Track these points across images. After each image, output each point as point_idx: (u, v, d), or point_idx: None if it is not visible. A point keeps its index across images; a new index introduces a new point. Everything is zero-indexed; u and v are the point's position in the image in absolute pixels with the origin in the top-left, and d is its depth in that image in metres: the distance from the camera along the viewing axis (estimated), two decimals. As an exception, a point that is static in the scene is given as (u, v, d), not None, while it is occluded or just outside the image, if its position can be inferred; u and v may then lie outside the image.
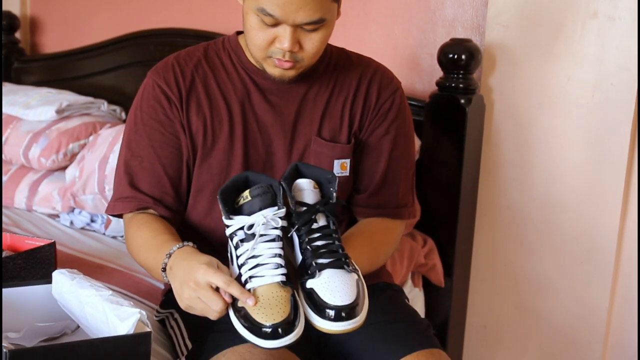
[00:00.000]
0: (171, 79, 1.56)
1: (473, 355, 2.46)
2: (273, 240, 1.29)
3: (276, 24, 1.41)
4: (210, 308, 1.26)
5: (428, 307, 2.24)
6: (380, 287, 1.64)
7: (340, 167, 1.60)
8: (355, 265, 1.32)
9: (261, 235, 1.28)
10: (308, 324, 1.27)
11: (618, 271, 2.24)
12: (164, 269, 1.37)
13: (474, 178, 2.29)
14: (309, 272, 1.29)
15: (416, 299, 2.14)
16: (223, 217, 1.32)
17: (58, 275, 1.43)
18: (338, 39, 1.54)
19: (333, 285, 1.26)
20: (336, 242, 1.32)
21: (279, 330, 1.21)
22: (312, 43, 1.45)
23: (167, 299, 1.66)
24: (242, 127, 1.57)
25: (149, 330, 1.28)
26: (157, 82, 1.57)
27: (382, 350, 1.48)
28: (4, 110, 2.64)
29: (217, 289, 1.25)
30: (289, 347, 1.23)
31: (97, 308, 1.31)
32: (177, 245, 1.37)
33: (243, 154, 1.56)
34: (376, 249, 1.61)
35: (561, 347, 2.33)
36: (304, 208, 1.33)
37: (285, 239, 1.32)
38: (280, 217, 1.29)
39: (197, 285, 1.25)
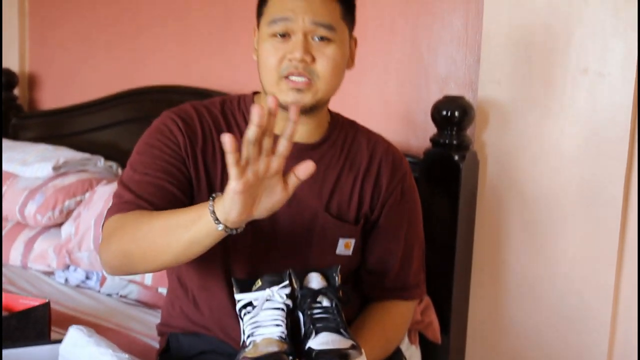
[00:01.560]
0: (190, 122, 1.54)
1: (471, 413, 2.44)
2: (276, 309, 1.32)
3: (288, 35, 1.45)
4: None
5: (425, 365, 2.23)
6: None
7: (345, 246, 1.59)
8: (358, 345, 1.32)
9: (267, 301, 1.33)
10: None
11: (615, 334, 2.23)
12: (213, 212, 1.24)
13: (469, 234, 2.29)
14: (307, 335, 1.31)
15: (413, 356, 2.12)
16: (235, 294, 1.37)
17: (75, 330, 1.41)
18: (334, 96, 1.56)
19: (329, 340, 1.28)
20: (337, 319, 1.34)
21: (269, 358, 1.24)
22: (325, 57, 1.47)
23: (163, 358, 1.65)
24: None
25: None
26: (174, 119, 1.54)
27: None
28: (2, 166, 2.64)
29: None
30: None
31: None
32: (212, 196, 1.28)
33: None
34: (388, 337, 1.62)
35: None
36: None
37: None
38: (285, 294, 1.33)
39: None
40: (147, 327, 1.98)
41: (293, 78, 1.46)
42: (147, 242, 1.36)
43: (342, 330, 1.32)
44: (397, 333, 1.68)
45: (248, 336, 1.32)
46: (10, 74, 3.10)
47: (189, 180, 1.51)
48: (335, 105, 1.65)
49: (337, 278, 1.40)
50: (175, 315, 1.65)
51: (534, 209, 2.25)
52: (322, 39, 1.47)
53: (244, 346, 1.31)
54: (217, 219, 1.22)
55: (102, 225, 1.50)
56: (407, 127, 2.40)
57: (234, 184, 1.15)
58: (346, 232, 1.59)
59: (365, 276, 1.67)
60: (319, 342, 1.28)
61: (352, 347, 1.28)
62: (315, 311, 1.34)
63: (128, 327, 1.98)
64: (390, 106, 2.42)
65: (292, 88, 1.46)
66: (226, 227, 1.23)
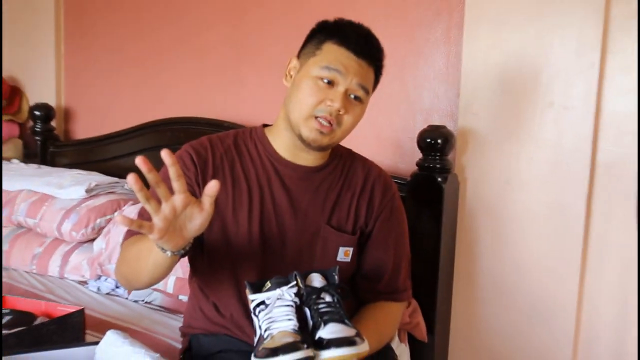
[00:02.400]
0: (203, 153, 1.56)
1: (454, 403, 2.42)
2: (287, 306, 1.33)
3: (332, 83, 1.46)
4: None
5: (413, 361, 2.21)
6: (371, 345, 1.63)
7: (344, 254, 1.61)
8: (360, 334, 1.32)
9: (278, 300, 1.34)
10: None
11: (580, 327, 2.22)
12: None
13: (451, 247, 2.29)
14: (316, 327, 1.31)
15: (403, 353, 2.11)
16: (249, 295, 1.37)
17: (112, 333, 1.41)
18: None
19: (336, 329, 1.29)
20: (340, 311, 1.34)
21: (288, 347, 1.23)
22: (352, 114, 1.49)
23: (185, 357, 1.65)
24: (259, 207, 1.55)
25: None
26: (189, 151, 1.56)
27: None
28: (41, 189, 2.64)
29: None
30: None
31: None
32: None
33: (259, 231, 1.54)
34: (381, 332, 1.61)
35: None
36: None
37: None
38: (294, 293, 1.35)
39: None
40: (170, 329, 1.97)
41: (321, 120, 1.47)
42: (129, 267, 1.46)
43: (346, 321, 1.33)
44: (388, 329, 1.69)
45: (265, 330, 1.31)
46: (48, 108, 3.10)
47: None
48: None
49: (336, 277, 1.41)
50: (197, 317, 1.65)
51: (506, 224, 2.25)
52: (356, 97, 1.50)
53: (262, 339, 1.31)
54: (162, 249, 1.27)
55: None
56: (396, 153, 2.40)
57: (154, 221, 1.18)
58: (345, 242, 1.61)
59: (360, 282, 1.67)
60: (328, 331, 1.29)
61: (357, 335, 1.30)
62: (321, 306, 1.34)
63: (153, 330, 1.97)
64: (381, 135, 2.41)
65: (317, 128, 1.48)
66: (172, 252, 1.27)
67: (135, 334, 1.91)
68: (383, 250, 1.66)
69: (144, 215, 1.48)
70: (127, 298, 2.26)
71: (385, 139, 2.41)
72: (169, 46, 2.89)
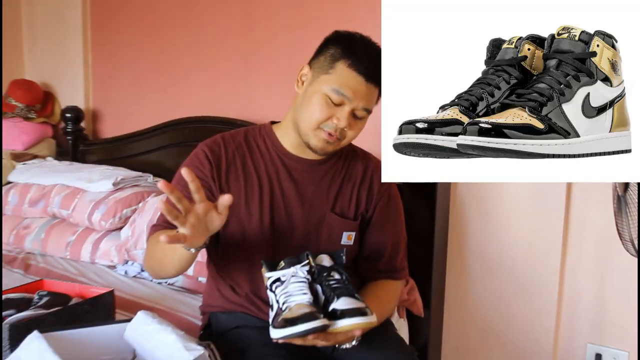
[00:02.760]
0: (216, 150, 1.58)
1: (449, 371, 2.45)
2: (300, 282, 1.35)
3: (340, 104, 1.46)
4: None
5: (411, 334, 2.23)
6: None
7: (347, 238, 1.62)
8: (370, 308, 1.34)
9: (292, 277, 1.36)
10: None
11: (562, 300, 2.24)
12: None
13: (444, 231, 2.30)
14: (329, 300, 1.34)
15: (402, 327, 2.12)
16: (265, 273, 1.41)
17: (142, 313, 1.43)
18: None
19: (348, 302, 1.31)
20: (350, 287, 1.37)
21: (306, 316, 1.26)
22: (356, 129, 1.51)
23: (205, 333, 1.66)
24: (269, 198, 1.57)
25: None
26: (204, 149, 1.58)
27: None
28: (73, 184, 2.65)
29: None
30: None
31: (168, 345, 1.33)
32: None
33: (270, 219, 1.56)
34: (383, 307, 1.62)
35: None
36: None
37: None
38: (306, 271, 1.37)
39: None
40: (191, 308, 1.97)
41: (331, 133, 1.49)
42: (156, 262, 1.52)
43: (356, 295, 1.35)
44: (389, 304, 1.69)
45: (283, 303, 1.33)
46: (78, 110, 3.09)
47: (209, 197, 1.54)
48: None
49: (343, 257, 1.43)
50: (215, 297, 1.66)
51: (494, 207, 2.26)
52: (361, 117, 1.51)
53: (280, 311, 1.33)
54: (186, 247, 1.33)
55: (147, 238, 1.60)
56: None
57: (183, 231, 1.26)
58: (348, 227, 1.61)
59: (362, 263, 1.68)
60: (341, 303, 1.31)
61: (367, 307, 1.32)
62: (332, 282, 1.36)
63: (176, 309, 1.98)
64: (380, 133, 2.40)
65: (323, 139, 1.50)
66: (196, 249, 1.34)
67: (160, 313, 1.86)
68: (382, 233, 1.66)
69: (158, 218, 1.58)
70: (151, 280, 2.26)
71: (377, 131, 2.41)
72: (186, 55, 2.89)
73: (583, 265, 2.20)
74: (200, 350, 1.29)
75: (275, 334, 1.29)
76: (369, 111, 1.51)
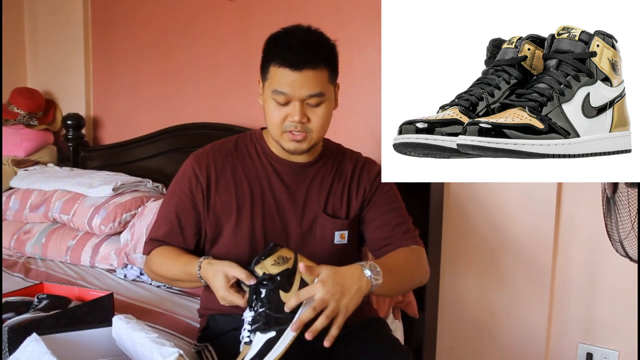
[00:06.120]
0: (204, 165, 1.58)
1: (443, 372, 2.42)
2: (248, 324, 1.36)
3: (287, 101, 1.43)
4: (234, 301, 1.37)
5: (406, 335, 2.20)
6: (369, 321, 1.60)
7: (340, 237, 1.59)
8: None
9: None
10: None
11: (553, 300, 2.22)
12: (200, 268, 1.45)
13: (438, 232, 2.29)
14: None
15: (397, 329, 2.11)
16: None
17: (117, 320, 1.40)
18: (329, 127, 1.53)
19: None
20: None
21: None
22: (317, 116, 1.46)
23: (203, 335, 1.63)
24: (261, 204, 1.56)
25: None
26: (193, 165, 1.58)
27: None
28: (73, 189, 2.63)
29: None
30: None
31: (145, 347, 1.28)
32: (203, 257, 1.48)
33: (262, 225, 1.55)
34: (410, 270, 1.54)
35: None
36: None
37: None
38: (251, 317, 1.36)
39: (225, 278, 1.37)
40: (189, 311, 1.95)
41: (293, 132, 1.46)
42: (165, 278, 1.61)
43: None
44: (417, 270, 1.57)
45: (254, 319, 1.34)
46: (79, 117, 3.08)
47: (198, 213, 1.58)
48: (331, 136, 1.65)
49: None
50: (213, 300, 1.60)
51: (488, 208, 2.25)
52: (315, 103, 1.45)
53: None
54: (200, 279, 1.46)
55: (145, 243, 1.65)
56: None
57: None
58: (340, 226, 1.59)
59: (374, 247, 1.60)
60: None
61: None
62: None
63: (174, 312, 1.95)
64: (373, 134, 2.40)
65: (292, 139, 1.48)
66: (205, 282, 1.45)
67: (159, 315, 1.91)
68: (385, 213, 1.60)
69: (158, 230, 1.62)
70: (150, 284, 2.25)
71: (376, 138, 2.38)
72: (185, 63, 2.89)
73: (574, 266, 2.19)
74: (174, 352, 1.23)
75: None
76: (319, 94, 1.43)
